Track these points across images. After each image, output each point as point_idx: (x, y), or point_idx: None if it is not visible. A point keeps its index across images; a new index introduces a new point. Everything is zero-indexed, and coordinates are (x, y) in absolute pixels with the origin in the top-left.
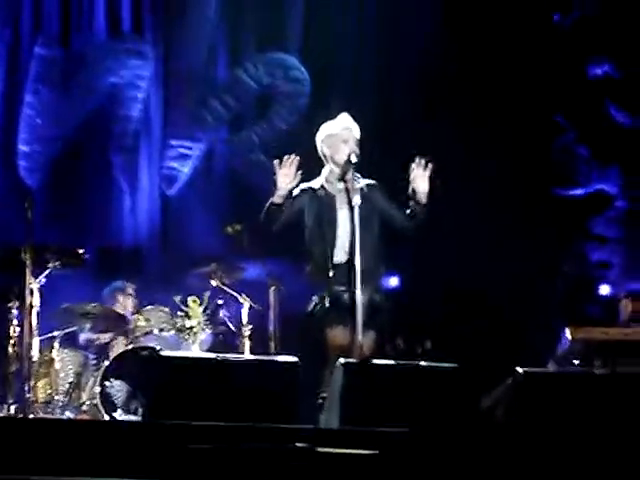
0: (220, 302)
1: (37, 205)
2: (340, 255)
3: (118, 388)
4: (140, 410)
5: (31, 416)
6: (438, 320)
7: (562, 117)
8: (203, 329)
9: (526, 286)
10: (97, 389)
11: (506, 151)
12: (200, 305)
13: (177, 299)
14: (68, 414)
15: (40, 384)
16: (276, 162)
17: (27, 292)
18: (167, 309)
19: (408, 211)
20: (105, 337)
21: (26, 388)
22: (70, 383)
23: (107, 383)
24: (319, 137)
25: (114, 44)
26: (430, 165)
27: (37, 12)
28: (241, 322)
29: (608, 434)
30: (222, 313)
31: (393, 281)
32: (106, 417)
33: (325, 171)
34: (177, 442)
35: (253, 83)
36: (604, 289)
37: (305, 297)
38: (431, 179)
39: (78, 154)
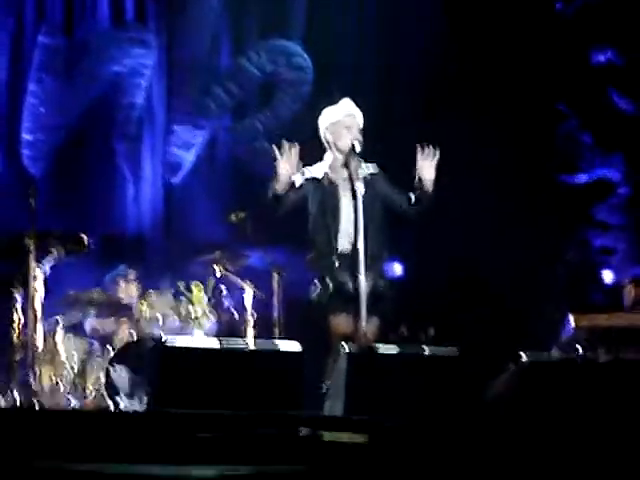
0: (224, 289)
1: (40, 193)
2: (344, 243)
3: (123, 376)
4: (145, 398)
5: (36, 403)
6: (442, 307)
7: (565, 104)
8: (207, 316)
9: (529, 273)
10: (102, 377)
11: (509, 139)
12: (204, 292)
13: (181, 286)
14: (73, 401)
15: (44, 371)
16: (276, 150)
17: (31, 279)
18: (171, 296)
19: (413, 197)
20: (109, 324)
21: (30, 375)
22: (75, 370)
23: (112, 371)
24: (322, 123)
25: (117, 33)
26: (437, 153)
27: (40, 1)
28: (245, 309)
29: (612, 421)
30: (226, 300)
31: (397, 268)
32: (111, 405)
33: (328, 158)
34: (182, 430)
35: (256, 71)
36: (607, 276)
37: (308, 284)
38: (437, 167)
39: (81, 142)
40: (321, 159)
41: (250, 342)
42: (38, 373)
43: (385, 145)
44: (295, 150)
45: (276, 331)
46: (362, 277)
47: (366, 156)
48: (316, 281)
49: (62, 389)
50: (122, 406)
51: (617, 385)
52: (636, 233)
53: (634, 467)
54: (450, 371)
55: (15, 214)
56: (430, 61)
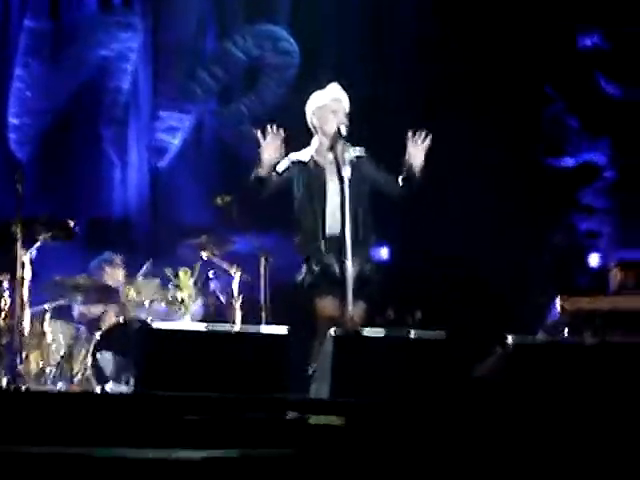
0: (211, 274)
1: (27, 178)
2: (330, 227)
3: (109, 360)
4: (131, 381)
5: (23, 388)
6: (428, 291)
7: (552, 88)
8: (194, 300)
9: (516, 256)
10: (89, 361)
11: (495, 122)
12: (191, 277)
13: (168, 271)
14: (60, 386)
15: (32, 356)
16: (259, 134)
17: (18, 265)
18: (158, 281)
19: (400, 180)
20: (96, 309)
21: (18, 360)
22: (62, 355)
23: (99, 355)
24: (308, 108)
25: (104, 17)
26: (427, 140)
27: None
28: (232, 293)
29: (598, 404)
30: (213, 284)
31: (383, 252)
32: (98, 388)
33: (314, 142)
34: (168, 413)
35: (242, 55)
36: (593, 259)
37: (295, 268)
38: (429, 153)
39: (68, 127)
40: (308, 143)
41: (237, 327)
42: (25, 358)
43: (372, 129)
44: (279, 134)
45: (263, 315)
46: (349, 261)
47: (353, 140)
48: (303, 265)
49: (49, 373)
50: (109, 389)
51: (603, 368)
52: (622, 217)
53: (620, 447)
54: (437, 354)
55: (1, 199)
56: (417, 45)
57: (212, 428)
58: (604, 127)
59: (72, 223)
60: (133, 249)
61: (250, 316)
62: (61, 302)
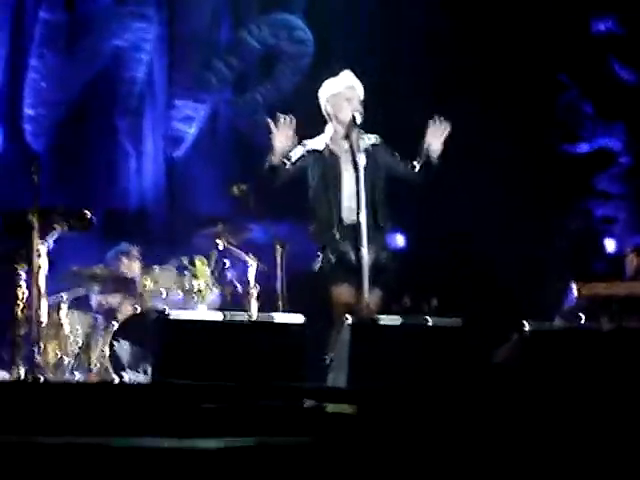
0: (227, 262)
1: (43, 169)
2: (346, 215)
3: (127, 349)
4: (149, 371)
5: (41, 378)
6: (444, 278)
7: (566, 74)
8: (210, 290)
9: (532, 243)
10: (106, 351)
11: (511, 110)
12: (207, 266)
13: (184, 260)
14: (77, 376)
15: (49, 346)
16: (271, 122)
17: (35, 255)
18: (174, 270)
19: (417, 165)
20: (113, 299)
21: (35, 351)
22: (79, 345)
23: (116, 345)
24: (322, 95)
25: (118, 7)
26: (448, 126)
27: None
28: (248, 282)
29: (614, 389)
30: (229, 273)
31: (399, 239)
32: (115, 378)
33: (329, 130)
34: (186, 402)
35: (257, 44)
36: (609, 245)
37: (311, 256)
38: (446, 140)
39: (83, 117)
40: (322, 131)
41: (253, 315)
42: (43, 348)
43: (386, 117)
44: (291, 123)
45: (279, 304)
46: (364, 249)
47: (367, 128)
48: (319, 253)
49: (67, 363)
50: (126, 379)
51: (620, 353)
52: (637, 202)
53: (635, 434)
54: (453, 341)
55: (18, 190)
56: (431, 34)
57: (229, 416)
58: (619, 112)
59: (89, 213)
60: (149, 239)
61: (267, 305)
62: (78, 292)
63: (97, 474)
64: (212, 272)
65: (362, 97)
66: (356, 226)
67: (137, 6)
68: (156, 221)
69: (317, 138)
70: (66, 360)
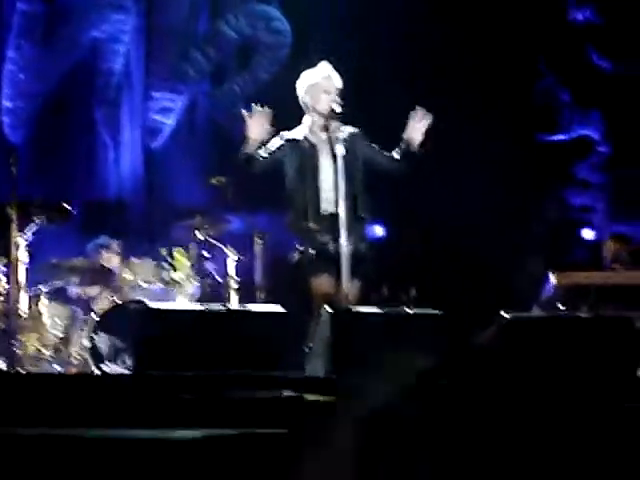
0: (206, 254)
1: (21, 161)
2: (324, 205)
3: (107, 341)
4: (129, 362)
5: (20, 370)
6: (423, 268)
7: (543, 62)
8: (190, 281)
9: (510, 232)
10: (86, 343)
11: (488, 97)
12: (186, 258)
13: (163, 251)
14: (57, 368)
15: (28, 339)
16: (245, 113)
17: (13, 248)
18: (153, 262)
19: (396, 154)
20: (92, 291)
21: (14, 343)
22: (58, 337)
23: (96, 337)
24: (299, 86)
25: None
26: (429, 117)
27: None
28: (227, 274)
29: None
30: (208, 265)
31: (378, 230)
32: (95, 370)
33: (307, 121)
34: (165, 393)
35: (234, 34)
36: (587, 233)
37: (290, 247)
38: (427, 132)
39: (61, 109)
40: (300, 123)
41: (233, 306)
42: (22, 340)
43: (364, 108)
44: (265, 112)
45: (259, 295)
46: (343, 239)
47: (345, 117)
48: (297, 244)
49: (46, 356)
50: (106, 371)
51: (597, 341)
52: (615, 191)
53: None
54: (432, 329)
55: None
56: (409, 23)
57: (208, 407)
58: (596, 101)
59: (67, 206)
60: (128, 230)
61: (246, 296)
62: (57, 284)
63: (76, 465)
64: (191, 264)
65: (340, 86)
66: (335, 216)
67: None
68: (134, 212)
69: (295, 129)
70: (45, 352)
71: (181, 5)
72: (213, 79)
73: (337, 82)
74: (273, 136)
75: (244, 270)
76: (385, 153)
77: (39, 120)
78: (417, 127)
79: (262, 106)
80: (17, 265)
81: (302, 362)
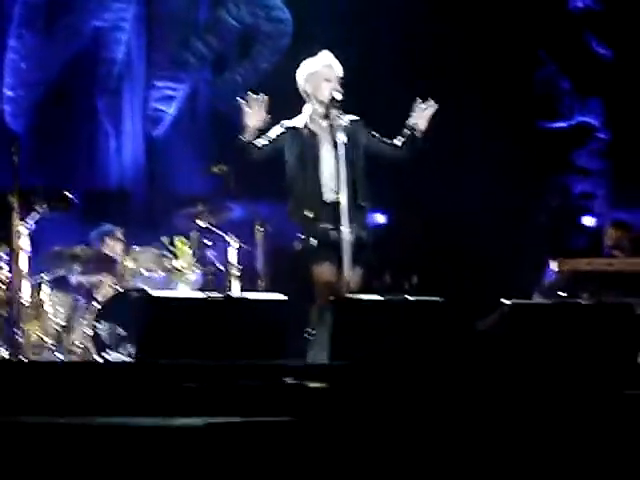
0: (208, 242)
1: (23, 150)
2: (326, 193)
3: (109, 330)
4: (131, 350)
5: (22, 358)
6: (425, 256)
7: (543, 50)
8: (192, 270)
9: (511, 219)
10: (88, 331)
11: (489, 85)
12: (188, 246)
13: (165, 240)
14: (59, 356)
15: (31, 327)
16: (242, 101)
17: (15, 237)
18: (155, 250)
19: (397, 142)
20: (94, 279)
21: (17, 332)
22: (60, 325)
23: (98, 325)
24: (300, 75)
25: None
26: (435, 106)
27: None
28: (229, 262)
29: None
30: (210, 253)
31: (379, 218)
32: (97, 358)
33: (307, 109)
34: (167, 381)
35: (235, 23)
36: (588, 220)
37: (292, 235)
38: (431, 120)
39: (63, 98)
40: (301, 111)
41: (235, 294)
42: (24, 329)
43: (365, 97)
44: (262, 100)
45: (260, 283)
46: (345, 227)
47: (346, 107)
48: (299, 233)
49: (48, 344)
50: (108, 359)
51: (599, 328)
52: (616, 178)
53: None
54: (435, 317)
55: None
56: (410, 11)
57: (211, 395)
58: (596, 89)
59: (69, 194)
60: (130, 219)
61: (248, 285)
62: (59, 272)
63: (79, 453)
64: (193, 252)
65: (341, 75)
66: (336, 204)
67: None
68: (136, 201)
69: (296, 118)
70: (48, 340)
71: None
72: (214, 68)
73: (338, 70)
74: (274, 124)
75: (246, 258)
76: (386, 140)
77: (41, 109)
78: (422, 115)
79: (257, 94)
80: (19, 254)
81: (304, 350)
